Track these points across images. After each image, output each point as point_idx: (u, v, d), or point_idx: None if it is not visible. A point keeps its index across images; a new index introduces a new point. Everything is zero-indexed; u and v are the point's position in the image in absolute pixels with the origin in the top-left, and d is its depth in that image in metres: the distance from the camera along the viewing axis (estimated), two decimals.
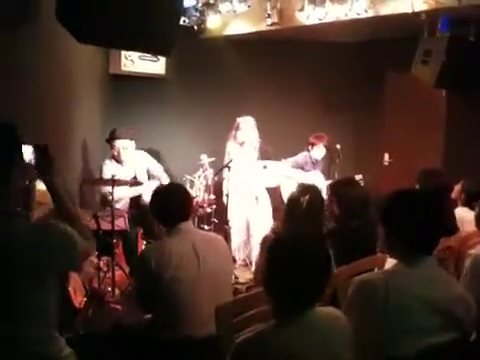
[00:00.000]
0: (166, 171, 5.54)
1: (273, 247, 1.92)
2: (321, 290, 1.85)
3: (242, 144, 5.67)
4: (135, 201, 5.19)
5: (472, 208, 3.78)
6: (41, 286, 1.98)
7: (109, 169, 5.01)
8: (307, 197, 3.25)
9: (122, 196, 4.98)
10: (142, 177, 5.22)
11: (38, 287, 1.97)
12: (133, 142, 5.17)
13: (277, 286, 1.85)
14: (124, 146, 5.09)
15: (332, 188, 3.62)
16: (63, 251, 2.00)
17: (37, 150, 2.13)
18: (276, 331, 1.81)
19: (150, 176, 5.34)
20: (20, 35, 3.03)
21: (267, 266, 1.88)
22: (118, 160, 5.13)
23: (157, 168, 5.41)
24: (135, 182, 5.00)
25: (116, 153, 5.11)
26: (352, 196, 3.42)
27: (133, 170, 5.21)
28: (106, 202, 4.83)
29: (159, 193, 3.09)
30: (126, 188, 4.99)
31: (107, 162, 5.14)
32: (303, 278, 1.80)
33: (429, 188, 3.61)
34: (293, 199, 3.31)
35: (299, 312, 1.81)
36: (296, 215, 3.20)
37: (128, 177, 5.08)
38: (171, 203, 2.96)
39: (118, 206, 5.01)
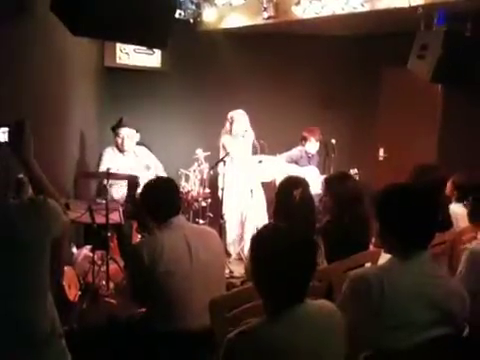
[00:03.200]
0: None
1: (257, 243, 1.92)
2: (307, 284, 1.84)
3: (242, 137, 5.65)
4: (131, 195, 5.18)
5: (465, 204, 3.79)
6: (38, 262, 2.03)
7: (109, 157, 5.08)
8: (300, 190, 3.25)
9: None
10: (140, 171, 5.23)
11: (35, 264, 2.03)
12: (138, 134, 5.26)
13: (263, 282, 1.86)
14: (129, 135, 5.18)
15: (326, 182, 3.62)
16: (53, 219, 2.08)
17: (14, 126, 2.11)
18: (267, 326, 1.81)
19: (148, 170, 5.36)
20: (15, 27, 3.01)
21: (252, 262, 1.88)
22: (121, 149, 5.21)
23: (157, 165, 5.42)
24: (130, 176, 4.99)
25: (120, 141, 5.18)
26: (346, 191, 3.42)
27: (133, 162, 5.23)
28: (103, 191, 4.81)
29: (149, 189, 3.07)
30: (126, 169, 5.04)
31: (108, 150, 5.20)
32: (287, 273, 1.79)
33: (421, 183, 3.61)
34: (285, 192, 3.30)
35: (289, 307, 1.81)
36: (289, 209, 3.20)
37: (127, 168, 5.10)
38: (161, 198, 2.95)
39: (116, 195, 5.04)
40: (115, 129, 5.20)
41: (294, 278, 1.81)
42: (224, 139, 5.70)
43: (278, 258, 1.80)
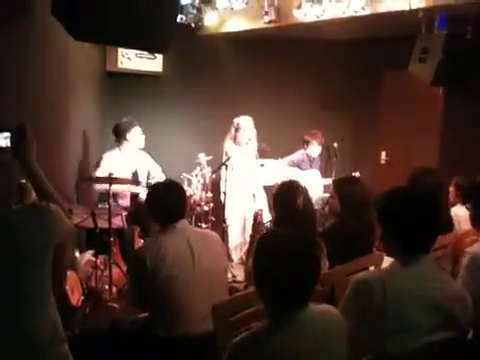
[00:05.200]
0: (163, 171, 5.55)
1: (259, 249, 1.92)
2: (310, 290, 1.84)
3: (241, 143, 5.66)
4: (133, 199, 5.20)
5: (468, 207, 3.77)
6: (40, 267, 2.04)
7: (111, 158, 5.07)
8: (302, 197, 3.25)
9: (122, 190, 5.02)
10: (142, 175, 5.27)
11: (37, 269, 2.03)
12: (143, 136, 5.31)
13: (265, 287, 1.86)
14: (139, 132, 5.24)
15: (336, 185, 3.62)
16: (55, 224, 2.09)
17: (15, 130, 2.12)
18: (270, 331, 1.81)
19: (149, 177, 5.40)
20: (16, 32, 3.01)
21: (254, 268, 1.88)
22: (138, 146, 5.27)
23: (157, 170, 5.46)
24: (133, 181, 5.00)
25: (138, 138, 5.23)
26: (354, 194, 3.42)
27: (136, 166, 5.26)
28: (105, 196, 4.81)
29: (156, 191, 3.07)
30: (127, 173, 5.08)
31: (108, 153, 5.17)
32: (289, 280, 1.79)
33: (420, 187, 3.60)
34: (287, 200, 3.29)
35: (291, 312, 1.81)
36: (293, 216, 3.19)
37: (129, 170, 5.12)
38: (168, 201, 2.94)
39: (121, 201, 5.06)
40: (128, 129, 5.17)
41: (296, 284, 1.80)
42: (227, 144, 5.70)
43: (280, 264, 1.80)
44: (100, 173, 4.86)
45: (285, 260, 1.80)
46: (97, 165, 5.10)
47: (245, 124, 5.65)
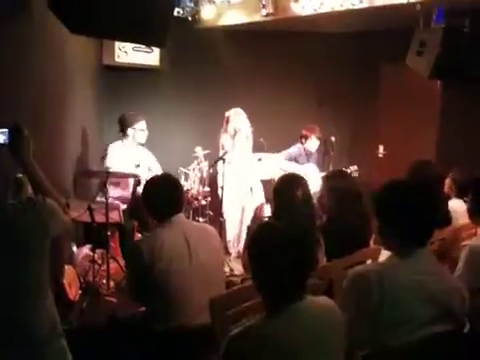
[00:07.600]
0: (161, 165, 5.56)
1: (253, 241, 1.92)
2: (305, 281, 1.84)
3: (234, 136, 5.67)
4: (133, 193, 5.22)
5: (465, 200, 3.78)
6: (37, 262, 2.05)
7: (116, 150, 5.16)
8: (301, 191, 3.25)
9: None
10: (144, 170, 5.30)
11: (35, 263, 2.04)
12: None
13: (261, 279, 1.86)
14: (143, 128, 5.29)
15: (326, 181, 3.61)
16: (51, 219, 2.10)
17: (11, 129, 2.13)
18: (267, 323, 1.81)
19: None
20: (13, 26, 3.00)
21: (249, 260, 1.88)
22: (140, 142, 5.33)
23: (157, 168, 5.48)
24: (131, 175, 5.00)
25: (140, 133, 5.29)
26: (345, 188, 3.42)
27: (138, 159, 5.30)
28: (103, 190, 4.79)
29: (152, 186, 3.06)
30: (131, 165, 5.13)
31: (113, 145, 5.22)
32: (285, 270, 1.79)
33: (418, 179, 3.60)
34: (287, 192, 3.30)
35: (288, 303, 1.81)
36: (292, 208, 3.19)
37: (133, 163, 5.18)
38: (164, 196, 2.93)
39: (123, 192, 5.12)
40: (131, 123, 5.23)
41: (291, 275, 1.81)
42: (223, 138, 5.72)
43: (274, 255, 1.80)
44: (109, 164, 4.96)
45: (278, 251, 1.80)
46: (104, 157, 5.14)
47: (234, 116, 5.68)
